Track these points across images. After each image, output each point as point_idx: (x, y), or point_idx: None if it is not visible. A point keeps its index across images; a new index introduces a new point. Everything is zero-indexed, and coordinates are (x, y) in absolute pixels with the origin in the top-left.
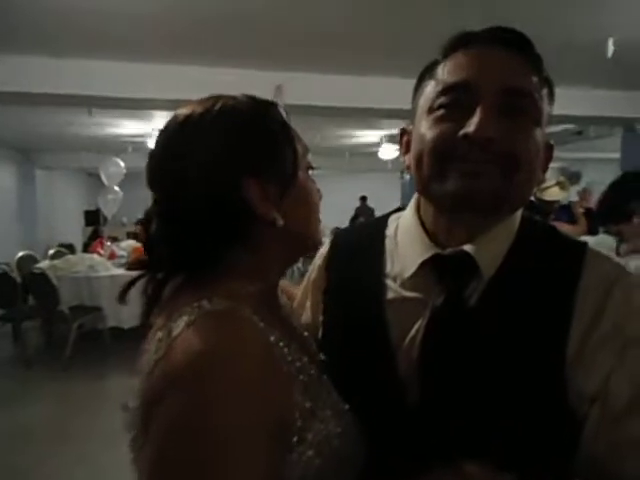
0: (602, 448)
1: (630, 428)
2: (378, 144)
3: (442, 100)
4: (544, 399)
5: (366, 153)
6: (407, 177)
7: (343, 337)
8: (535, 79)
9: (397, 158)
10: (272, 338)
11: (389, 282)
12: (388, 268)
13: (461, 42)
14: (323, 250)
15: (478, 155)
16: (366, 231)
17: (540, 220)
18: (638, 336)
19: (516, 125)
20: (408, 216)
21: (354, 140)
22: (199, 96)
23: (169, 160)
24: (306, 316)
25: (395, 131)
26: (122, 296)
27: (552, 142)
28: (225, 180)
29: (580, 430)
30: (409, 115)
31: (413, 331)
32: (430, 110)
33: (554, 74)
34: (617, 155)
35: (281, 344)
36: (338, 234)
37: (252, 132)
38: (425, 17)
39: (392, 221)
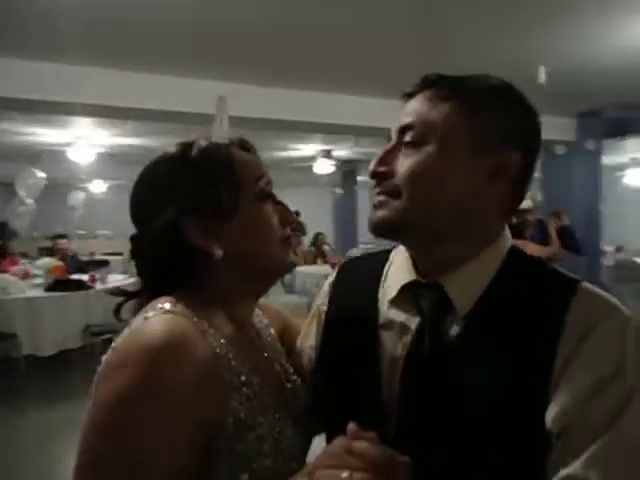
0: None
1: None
2: (313, 158)
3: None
4: (522, 435)
5: (301, 167)
6: (339, 192)
7: (336, 360)
8: (440, 107)
9: (332, 173)
10: (218, 349)
11: (379, 306)
12: (380, 293)
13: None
14: (331, 278)
15: (375, 188)
16: (371, 259)
17: (531, 257)
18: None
19: (408, 152)
20: (403, 248)
21: (288, 153)
22: (127, 102)
23: (134, 205)
24: (310, 340)
25: (331, 147)
26: (117, 312)
27: None
28: (167, 226)
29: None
30: (351, 131)
31: (396, 355)
32: None
33: None
34: (537, 175)
35: (230, 355)
36: (346, 262)
37: (183, 179)
38: (372, 35)
39: (394, 253)
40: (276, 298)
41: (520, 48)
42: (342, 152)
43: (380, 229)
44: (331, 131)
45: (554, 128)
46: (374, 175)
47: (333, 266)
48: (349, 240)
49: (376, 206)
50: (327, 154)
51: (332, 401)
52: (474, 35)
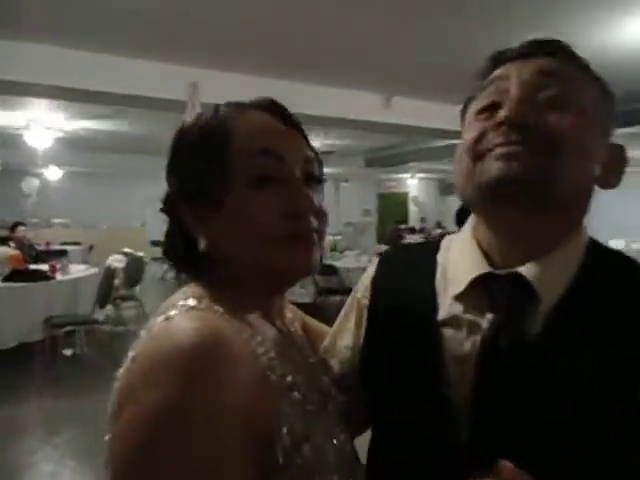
0: None
1: None
2: None
3: (482, 104)
4: (622, 436)
5: None
6: None
7: (390, 361)
8: (577, 75)
9: None
10: (256, 348)
11: (440, 300)
12: (439, 286)
13: (500, 60)
14: (370, 270)
15: (512, 138)
16: (416, 250)
17: (608, 247)
18: None
19: (554, 109)
20: (463, 236)
21: None
22: (90, 85)
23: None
24: (347, 340)
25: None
26: None
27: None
28: (169, 204)
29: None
30: (323, 122)
31: (463, 354)
32: (472, 118)
33: (454, 95)
34: None
35: (271, 354)
36: (386, 253)
37: (179, 157)
38: (347, 25)
39: (445, 242)
40: None
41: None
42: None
43: (515, 185)
44: (305, 122)
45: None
46: (515, 124)
47: None
48: None
49: (509, 157)
50: None
51: (387, 406)
52: (459, 30)
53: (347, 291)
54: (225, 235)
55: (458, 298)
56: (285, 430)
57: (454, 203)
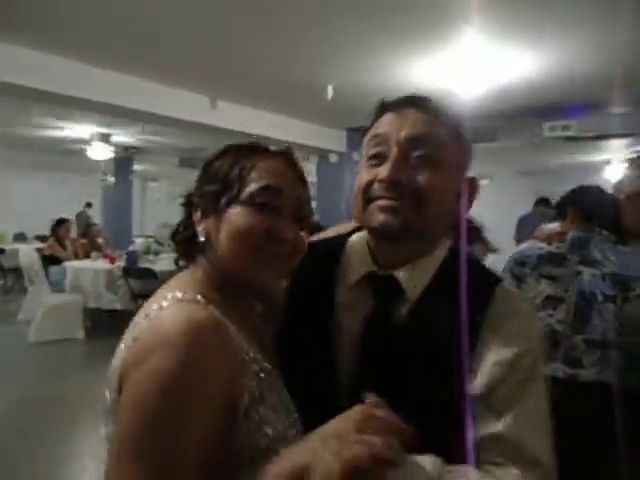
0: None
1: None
2: (87, 142)
3: (370, 152)
4: (451, 394)
5: (72, 150)
6: (111, 180)
7: (295, 336)
8: (440, 131)
9: (111, 160)
10: (231, 330)
11: (338, 287)
12: (339, 276)
13: (381, 110)
14: None
15: (390, 194)
16: (328, 243)
17: (468, 253)
18: (503, 360)
19: (421, 168)
20: (360, 237)
21: (59, 134)
22: None
23: None
24: None
25: (111, 130)
26: None
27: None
28: (190, 205)
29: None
30: (127, 114)
31: (353, 330)
32: (364, 160)
33: (275, 104)
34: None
35: (239, 338)
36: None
37: (202, 177)
38: (175, 27)
39: (352, 239)
40: (46, 299)
41: (313, 66)
42: (124, 138)
43: (393, 232)
44: (110, 113)
45: (329, 139)
46: (392, 182)
47: (112, 260)
48: (123, 234)
49: (388, 210)
50: (106, 138)
51: (292, 363)
52: (277, 48)
53: None
54: (219, 235)
55: (351, 288)
56: (246, 394)
57: None
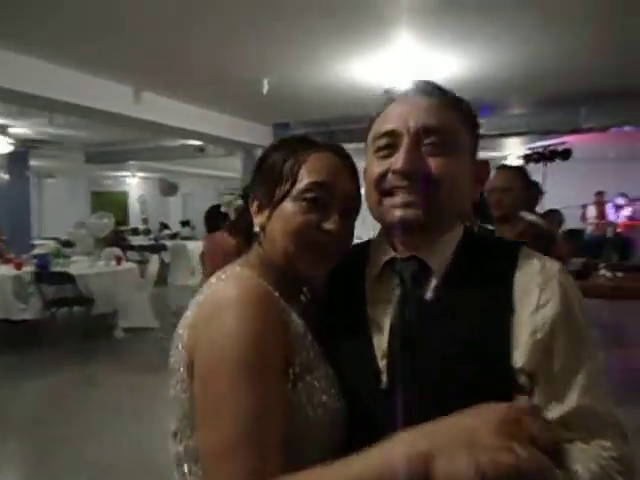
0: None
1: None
2: None
3: (379, 144)
4: (492, 369)
5: None
6: (4, 177)
7: (332, 329)
8: (450, 116)
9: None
10: (282, 304)
11: (367, 283)
12: (368, 274)
13: (387, 100)
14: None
15: (406, 184)
16: (361, 245)
17: (481, 228)
18: (541, 328)
19: (434, 156)
20: (379, 237)
21: None
22: None
23: None
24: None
25: (4, 121)
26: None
27: (486, 160)
28: (246, 193)
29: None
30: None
31: (382, 322)
32: (373, 152)
33: (202, 97)
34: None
35: (293, 314)
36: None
37: (258, 170)
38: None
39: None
40: None
41: (249, 60)
42: (24, 130)
43: (412, 226)
44: (16, 100)
45: (256, 134)
46: (407, 172)
47: (18, 266)
48: (21, 236)
49: (406, 206)
50: (3, 130)
51: (333, 359)
52: (209, 41)
53: (86, 301)
54: (272, 227)
55: (376, 279)
56: (297, 361)
57: (175, 205)
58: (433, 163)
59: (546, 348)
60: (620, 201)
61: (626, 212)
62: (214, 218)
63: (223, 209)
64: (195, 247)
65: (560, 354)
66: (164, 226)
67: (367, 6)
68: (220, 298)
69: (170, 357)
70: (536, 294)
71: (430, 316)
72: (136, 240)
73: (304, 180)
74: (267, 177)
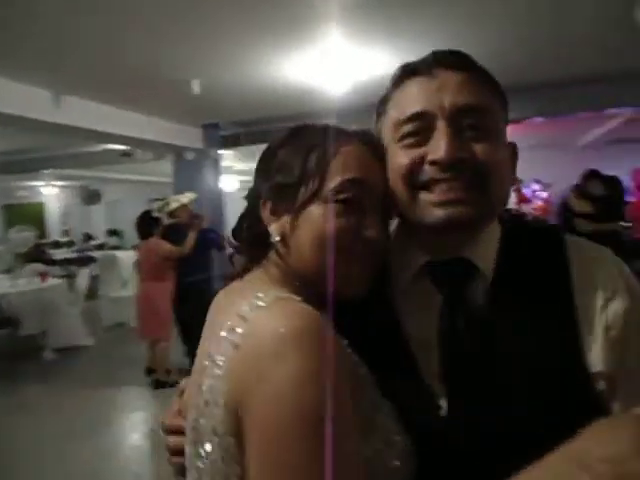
0: None
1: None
2: None
3: (405, 129)
4: (569, 379)
5: None
6: None
7: (366, 354)
8: (486, 92)
9: None
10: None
11: (395, 294)
12: (392, 281)
13: (406, 72)
14: None
15: (450, 175)
16: None
17: (508, 211)
18: (615, 321)
19: (478, 140)
20: (394, 232)
21: None
22: None
23: None
24: None
25: None
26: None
27: (515, 143)
28: (255, 199)
29: (599, 407)
30: None
31: (425, 338)
32: (395, 140)
33: (128, 100)
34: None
35: (344, 342)
36: None
37: (268, 165)
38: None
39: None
40: None
41: (177, 60)
42: None
43: (459, 226)
44: None
45: (185, 136)
46: (451, 162)
47: None
48: None
49: (451, 203)
50: None
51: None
52: (133, 41)
53: (11, 322)
54: (297, 235)
55: (408, 287)
56: (367, 400)
57: (98, 214)
58: (479, 149)
59: (622, 345)
60: (535, 187)
61: (542, 195)
62: (146, 224)
63: (155, 214)
64: (125, 256)
65: (638, 348)
66: (88, 237)
67: (296, 3)
68: (273, 335)
69: (196, 417)
70: (600, 286)
71: (487, 326)
72: (59, 254)
73: (337, 177)
74: (284, 174)
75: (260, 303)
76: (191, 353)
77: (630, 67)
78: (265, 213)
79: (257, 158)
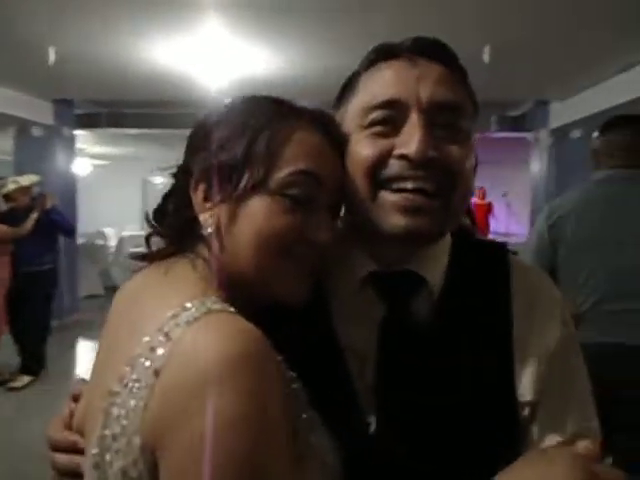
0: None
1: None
2: None
3: (374, 116)
4: (498, 405)
5: None
6: None
7: (300, 367)
8: (464, 93)
9: None
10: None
11: (333, 305)
12: (330, 290)
13: (383, 54)
14: None
15: (419, 174)
16: None
17: (461, 226)
18: (556, 349)
19: (451, 141)
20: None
21: None
22: None
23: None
24: None
25: None
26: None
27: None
28: (184, 178)
29: (520, 433)
30: None
31: (362, 350)
32: (362, 127)
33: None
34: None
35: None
36: None
37: (205, 139)
38: None
39: None
40: None
41: (33, 23)
42: None
43: (420, 237)
44: None
45: (32, 109)
46: (423, 160)
47: None
48: None
49: (418, 212)
50: None
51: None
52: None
53: None
54: (234, 228)
55: (348, 297)
56: (304, 415)
57: None
58: (452, 151)
59: (548, 373)
60: None
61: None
62: None
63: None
64: None
65: (564, 378)
66: None
67: None
68: (205, 362)
69: (100, 451)
70: (538, 317)
71: (426, 343)
72: None
73: (288, 167)
74: (224, 153)
75: (188, 317)
76: (24, 352)
77: None
78: (197, 198)
79: (115, 143)
